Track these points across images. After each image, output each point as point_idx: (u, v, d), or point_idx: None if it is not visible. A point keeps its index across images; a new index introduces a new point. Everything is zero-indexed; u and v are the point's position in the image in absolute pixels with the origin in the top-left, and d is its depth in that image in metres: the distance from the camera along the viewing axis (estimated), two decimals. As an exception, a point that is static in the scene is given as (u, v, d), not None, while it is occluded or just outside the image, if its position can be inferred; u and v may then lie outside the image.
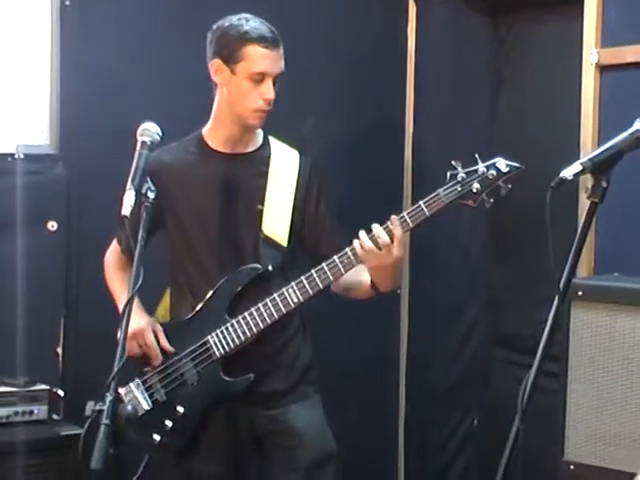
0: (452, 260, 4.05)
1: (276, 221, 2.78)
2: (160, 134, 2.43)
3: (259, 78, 2.69)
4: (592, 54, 3.10)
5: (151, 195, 2.31)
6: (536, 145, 3.68)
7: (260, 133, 2.87)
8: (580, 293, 2.73)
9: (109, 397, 1.99)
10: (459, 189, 2.55)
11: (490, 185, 2.54)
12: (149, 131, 2.42)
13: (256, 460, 2.88)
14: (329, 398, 2.90)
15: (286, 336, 2.81)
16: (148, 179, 2.31)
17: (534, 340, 3.52)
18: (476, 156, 2.54)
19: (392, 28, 4.04)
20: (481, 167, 2.54)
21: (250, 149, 2.84)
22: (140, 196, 2.27)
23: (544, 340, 1.71)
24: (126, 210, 2.20)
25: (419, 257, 4.06)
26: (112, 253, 2.91)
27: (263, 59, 2.69)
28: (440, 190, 2.57)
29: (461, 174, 2.56)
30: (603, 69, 3.08)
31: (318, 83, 3.81)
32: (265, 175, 2.80)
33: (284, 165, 2.84)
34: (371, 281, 2.68)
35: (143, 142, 2.40)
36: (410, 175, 4.11)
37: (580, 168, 1.71)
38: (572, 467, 2.78)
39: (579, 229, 1.72)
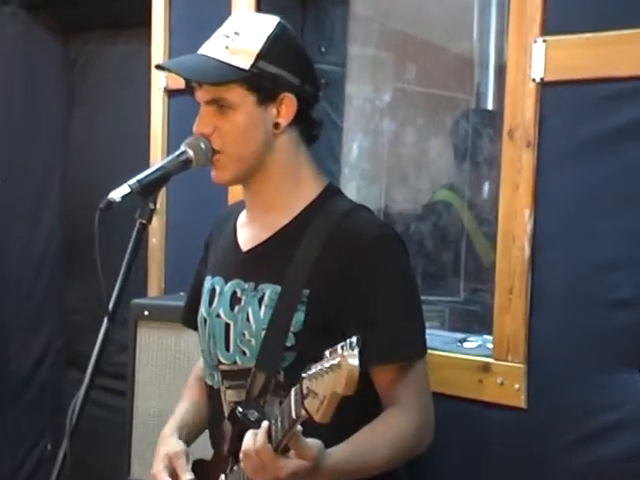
0: (25, 274, 3.96)
1: None
2: None
3: None
4: (160, 78, 3.17)
5: None
6: (108, 164, 3.70)
7: None
8: (146, 313, 2.76)
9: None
10: None
11: None
12: None
13: None
14: None
15: None
16: None
17: (108, 360, 3.53)
18: None
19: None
20: None
21: None
22: None
23: (92, 363, 1.71)
24: None
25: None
26: None
27: None
28: None
29: None
30: (171, 93, 3.17)
31: None
32: None
33: None
34: None
35: None
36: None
37: (128, 190, 1.73)
38: (141, 485, 2.78)
39: (128, 249, 1.74)
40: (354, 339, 1.42)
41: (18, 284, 3.93)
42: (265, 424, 1.62)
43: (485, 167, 3.00)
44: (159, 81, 3.17)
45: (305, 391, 1.48)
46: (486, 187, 3.04)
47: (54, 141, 3.95)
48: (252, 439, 1.63)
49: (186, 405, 2.15)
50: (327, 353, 1.46)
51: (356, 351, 1.41)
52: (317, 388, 1.46)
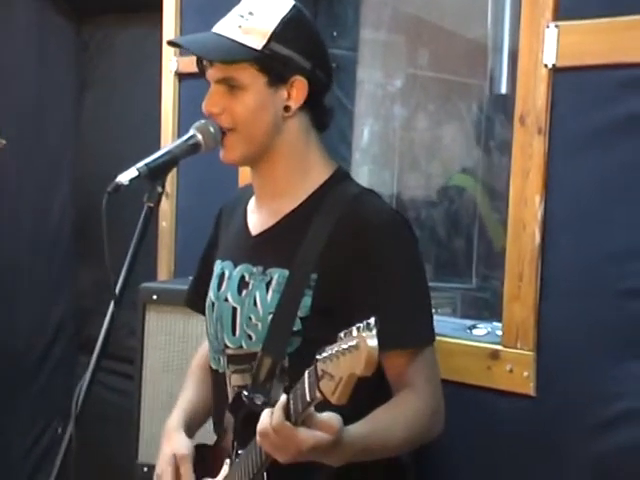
0: (37, 258, 3.97)
1: None
2: None
3: None
4: (171, 61, 3.17)
5: None
6: (120, 148, 3.70)
7: None
8: (155, 297, 2.77)
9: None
10: None
11: None
12: None
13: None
14: None
15: None
16: None
17: (116, 344, 3.53)
18: None
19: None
20: None
21: None
22: None
23: (98, 347, 1.71)
24: None
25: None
26: None
27: None
28: None
29: None
30: (182, 77, 3.16)
31: None
32: None
33: None
34: None
35: None
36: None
37: (136, 173, 1.73)
38: (145, 469, 2.76)
39: (136, 233, 1.73)
40: (372, 320, 1.41)
41: (30, 267, 3.94)
42: (283, 398, 1.59)
43: (499, 152, 2.98)
44: (170, 65, 3.18)
45: (320, 373, 1.47)
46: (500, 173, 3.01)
47: (66, 124, 3.96)
48: (269, 417, 1.60)
49: (190, 394, 2.15)
50: (341, 335, 1.44)
51: (374, 332, 1.39)
52: (332, 370, 1.44)
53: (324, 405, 1.52)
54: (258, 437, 1.63)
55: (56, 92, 3.93)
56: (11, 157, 3.84)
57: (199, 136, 1.86)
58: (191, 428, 2.08)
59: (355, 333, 1.41)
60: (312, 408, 1.55)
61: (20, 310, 3.93)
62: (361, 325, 1.41)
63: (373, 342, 1.39)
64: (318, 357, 1.48)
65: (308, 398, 1.51)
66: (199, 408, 2.12)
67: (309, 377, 1.51)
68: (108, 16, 3.80)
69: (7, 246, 3.89)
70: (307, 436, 1.57)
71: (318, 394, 1.48)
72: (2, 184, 3.78)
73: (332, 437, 1.58)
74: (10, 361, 3.92)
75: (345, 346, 1.42)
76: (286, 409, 1.58)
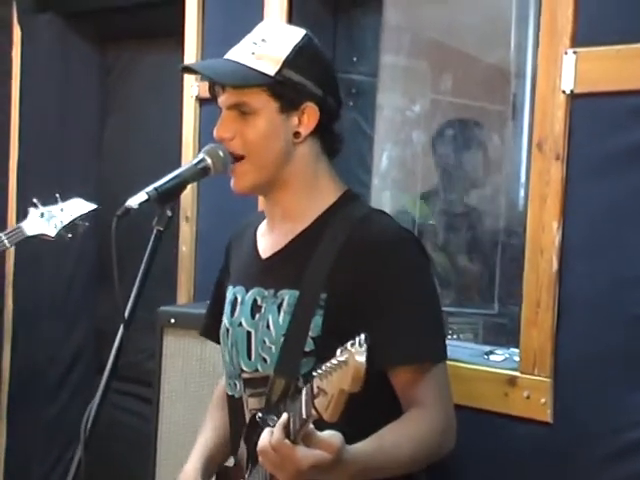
0: (59, 280, 3.99)
1: None
2: None
3: None
4: (192, 87, 3.20)
5: None
6: (141, 173, 3.70)
7: None
8: (172, 321, 2.77)
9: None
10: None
11: (68, 222, 2.94)
12: None
13: None
14: None
15: None
16: None
17: (137, 368, 3.53)
18: (57, 195, 2.73)
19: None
20: (58, 206, 2.80)
21: None
22: None
23: (108, 369, 1.71)
24: None
25: (23, 280, 3.96)
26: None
27: None
28: (22, 224, 2.98)
29: (41, 210, 2.92)
30: (202, 101, 3.18)
31: None
32: None
33: None
34: None
35: None
36: (15, 203, 3.98)
37: (145, 197, 1.73)
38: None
39: (145, 257, 1.74)
40: (362, 336, 1.40)
41: (51, 291, 3.96)
42: (284, 417, 1.58)
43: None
44: (191, 90, 3.20)
45: (316, 390, 1.47)
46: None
47: (89, 150, 3.98)
48: (268, 436, 1.60)
49: (208, 435, 2.13)
50: (338, 351, 1.44)
51: (364, 348, 1.39)
52: (326, 386, 1.44)
53: (329, 424, 1.50)
54: (259, 456, 1.63)
55: (80, 116, 3.95)
56: (33, 181, 3.88)
57: (208, 160, 1.86)
58: (210, 471, 2.07)
59: (348, 348, 1.41)
60: (311, 426, 1.54)
61: (40, 333, 3.94)
62: (354, 341, 1.41)
63: (361, 358, 1.38)
64: (314, 374, 1.48)
65: (304, 415, 1.51)
66: (217, 449, 2.11)
67: (306, 394, 1.51)
68: (132, 40, 3.83)
69: (29, 269, 3.91)
70: (305, 454, 1.56)
71: (313, 411, 1.48)
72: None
73: (332, 456, 1.57)
74: (29, 384, 3.94)
75: (335, 362, 1.42)
76: (286, 427, 1.57)
